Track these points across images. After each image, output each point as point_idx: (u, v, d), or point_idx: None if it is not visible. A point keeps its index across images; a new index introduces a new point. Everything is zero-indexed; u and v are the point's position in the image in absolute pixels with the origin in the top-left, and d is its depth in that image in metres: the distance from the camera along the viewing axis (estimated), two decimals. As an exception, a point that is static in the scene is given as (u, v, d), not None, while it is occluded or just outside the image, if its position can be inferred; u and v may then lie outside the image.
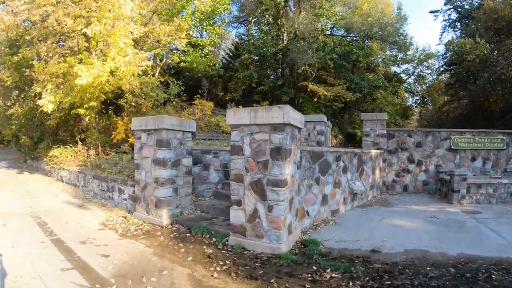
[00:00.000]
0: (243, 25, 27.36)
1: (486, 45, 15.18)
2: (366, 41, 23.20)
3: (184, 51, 16.27)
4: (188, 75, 19.58)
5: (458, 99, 21.74)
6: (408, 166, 12.28)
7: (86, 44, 11.16)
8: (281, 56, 20.08)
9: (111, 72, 10.74)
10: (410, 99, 30.71)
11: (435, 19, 28.22)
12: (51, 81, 11.25)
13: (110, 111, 14.69)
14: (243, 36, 26.58)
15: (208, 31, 16.99)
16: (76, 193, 11.87)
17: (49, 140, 16.41)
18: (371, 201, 10.66)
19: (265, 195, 5.70)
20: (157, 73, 15.12)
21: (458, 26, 22.23)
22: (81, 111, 11.53)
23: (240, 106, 15.33)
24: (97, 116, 14.27)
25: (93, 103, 11.66)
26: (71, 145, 14.30)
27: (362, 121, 12.70)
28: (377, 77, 22.92)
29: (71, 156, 13.94)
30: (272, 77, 22.12)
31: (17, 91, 15.75)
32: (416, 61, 27.68)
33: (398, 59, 27.19)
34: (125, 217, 8.39)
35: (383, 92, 22.77)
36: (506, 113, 17.26)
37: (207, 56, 16.67)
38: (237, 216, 6.02)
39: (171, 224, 7.56)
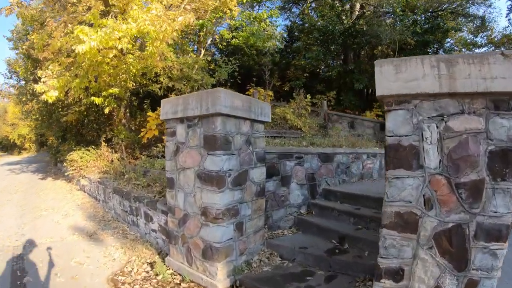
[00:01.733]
0: (295, 7, 23.50)
1: None
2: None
3: (236, 27, 12.80)
4: (239, 60, 16.03)
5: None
6: None
7: (103, 7, 7.85)
8: (351, 34, 16.08)
9: (139, 43, 7.41)
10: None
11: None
12: (57, 60, 8.11)
13: (146, 106, 11.40)
14: (297, 20, 22.77)
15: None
16: (94, 211, 8.72)
17: (72, 141, 13.55)
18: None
19: (466, 260, 2.54)
20: (202, 52, 11.73)
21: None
22: (96, 100, 8.29)
23: (308, 96, 11.61)
24: (127, 110, 11.08)
25: (114, 90, 8.39)
26: (93, 146, 11.20)
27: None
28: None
29: (93, 160, 10.84)
30: (337, 62, 18.18)
31: (31, 83, 12.98)
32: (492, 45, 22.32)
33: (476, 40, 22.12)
34: (152, 265, 5.10)
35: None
36: None
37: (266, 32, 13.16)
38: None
39: (232, 288, 4.00)
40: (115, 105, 8.75)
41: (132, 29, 6.43)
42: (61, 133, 14.31)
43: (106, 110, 8.77)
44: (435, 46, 17.08)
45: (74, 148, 12.04)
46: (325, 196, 6.33)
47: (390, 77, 2.70)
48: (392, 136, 2.74)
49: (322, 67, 18.71)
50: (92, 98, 8.34)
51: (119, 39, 6.56)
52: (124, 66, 8.37)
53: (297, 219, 5.70)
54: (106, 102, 8.42)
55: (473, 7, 19.49)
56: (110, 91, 8.36)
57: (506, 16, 21.94)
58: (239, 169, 4.17)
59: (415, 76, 2.62)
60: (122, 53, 8.21)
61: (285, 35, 21.98)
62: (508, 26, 22.07)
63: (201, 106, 3.83)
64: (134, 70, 8.43)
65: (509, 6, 18.92)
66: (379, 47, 15.50)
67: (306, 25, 18.63)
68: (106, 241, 6.31)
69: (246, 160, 4.33)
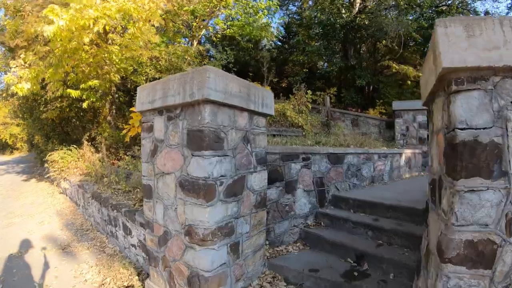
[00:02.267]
0: (291, 4, 22.55)
1: None
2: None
3: (232, 18, 11.83)
4: (234, 55, 15.10)
5: None
6: None
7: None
8: (352, 28, 15.16)
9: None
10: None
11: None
12: (32, 49, 7.15)
13: (134, 101, 10.38)
14: (295, 16, 21.85)
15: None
16: (73, 218, 7.80)
17: (55, 140, 12.57)
18: None
19: None
20: (195, 44, 10.76)
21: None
22: (73, 93, 7.30)
23: (311, 92, 10.68)
24: (113, 106, 10.11)
25: (94, 82, 7.41)
26: (75, 146, 10.23)
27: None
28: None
29: (75, 161, 9.88)
30: (337, 57, 17.24)
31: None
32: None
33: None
34: (129, 289, 4.13)
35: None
36: None
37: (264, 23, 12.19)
38: None
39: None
40: (94, 99, 7.76)
41: (111, 8, 5.46)
42: (44, 132, 13.30)
43: (85, 105, 7.77)
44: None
45: (57, 148, 11.08)
46: (335, 204, 5.42)
47: (460, 42, 1.80)
48: (465, 129, 1.82)
49: (322, 62, 17.79)
50: (68, 90, 7.35)
51: (96, 20, 5.61)
52: (106, 55, 7.41)
53: (303, 232, 4.78)
54: (84, 96, 7.43)
55: (478, 2, 18.66)
56: (90, 83, 7.39)
57: (506, 15, 21.08)
58: (234, 174, 3.24)
59: (494, 42, 1.72)
60: (104, 40, 7.28)
61: (283, 31, 21.09)
62: None
63: (185, 91, 2.89)
64: (117, 60, 7.46)
65: (509, 5, 18.23)
66: (383, 41, 14.61)
67: (305, 19, 17.72)
68: (80, 256, 5.39)
69: (244, 163, 3.41)
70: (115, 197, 6.15)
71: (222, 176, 3.03)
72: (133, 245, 4.91)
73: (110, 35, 7.72)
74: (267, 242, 4.24)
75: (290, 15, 21.86)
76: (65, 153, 10.26)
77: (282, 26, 21.39)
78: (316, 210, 5.13)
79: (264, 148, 3.81)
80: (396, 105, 10.90)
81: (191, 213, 2.97)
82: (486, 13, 19.58)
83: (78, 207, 8.54)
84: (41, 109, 10.65)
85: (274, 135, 7.56)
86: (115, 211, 5.46)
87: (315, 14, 15.92)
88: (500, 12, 21.09)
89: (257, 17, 11.39)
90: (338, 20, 14.67)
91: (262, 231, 3.86)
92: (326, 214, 5.05)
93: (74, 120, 11.53)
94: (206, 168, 2.85)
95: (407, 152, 8.97)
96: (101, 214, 6.34)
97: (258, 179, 3.66)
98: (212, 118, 2.89)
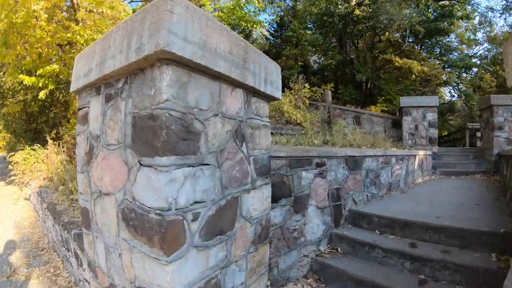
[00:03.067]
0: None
1: None
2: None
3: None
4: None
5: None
6: None
7: None
8: (352, 20, 13.91)
9: None
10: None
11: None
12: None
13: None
14: (288, 7, 20.54)
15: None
16: (30, 232, 6.44)
17: (23, 138, 11.12)
18: None
19: None
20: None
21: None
22: (26, 79, 5.87)
23: (308, 86, 9.39)
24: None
25: (53, 67, 6.01)
26: (39, 145, 8.82)
27: (485, 109, 8.90)
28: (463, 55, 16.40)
29: (38, 163, 8.47)
30: (334, 51, 15.98)
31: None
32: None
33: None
34: None
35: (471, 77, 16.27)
36: None
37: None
38: None
39: None
40: (53, 87, 6.33)
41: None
42: (12, 129, 11.82)
43: (42, 95, 6.33)
44: (442, 35, 14.99)
45: (21, 147, 9.67)
46: (353, 222, 4.16)
47: None
48: None
49: (317, 56, 16.57)
50: (21, 76, 5.95)
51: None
52: (69, 35, 6.05)
53: (316, 263, 3.50)
54: (40, 83, 6.02)
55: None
56: (48, 68, 5.99)
57: (500, 16, 20.41)
58: (219, 198, 1.93)
59: None
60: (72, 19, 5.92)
61: (275, 25, 19.79)
62: (504, 25, 20.71)
63: (129, 47, 1.57)
64: (82, 41, 6.09)
65: (504, 6, 17.63)
66: (386, 33, 13.40)
67: (299, 13, 16.41)
68: (26, 288, 4.05)
69: (236, 177, 2.11)
70: (71, 212, 4.81)
71: (197, 203, 1.72)
72: (86, 280, 3.56)
73: (80, 13, 6.35)
74: (269, 283, 2.95)
75: (283, 8, 20.58)
76: (28, 153, 8.86)
77: (276, 22, 20.11)
78: (331, 232, 3.85)
79: (267, 151, 2.53)
80: (405, 101, 9.68)
81: (142, 269, 1.65)
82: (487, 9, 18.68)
83: (39, 218, 7.17)
84: (3, 102, 9.22)
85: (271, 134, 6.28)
86: (65, 231, 4.12)
87: (313, 2, 14.59)
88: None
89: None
90: (336, 10, 13.41)
91: (263, 274, 2.58)
92: (344, 236, 3.77)
93: (41, 115, 10.08)
94: (163, 190, 1.52)
95: (420, 154, 7.81)
96: (55, 231, 4.99)
97: (258, 200, 2.38)
98: (176, 92, 1.57)
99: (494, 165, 8.10)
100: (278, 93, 2.62)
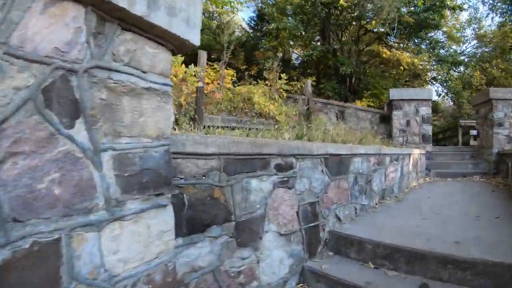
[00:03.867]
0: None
1: None
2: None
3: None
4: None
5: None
6: None
7: None
8: (335, 8, 12.69)
9: None
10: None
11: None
12: None
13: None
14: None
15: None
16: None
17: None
18: None
19: None
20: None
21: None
22: None
23: (286, 77, 8.08)
24: None
25: None
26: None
27: (482, 104, 7.91)
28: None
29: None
30: (315, 41, 14.76)
31: None
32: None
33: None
34: None
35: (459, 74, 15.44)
36: None
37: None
38: None
39: None
40: None
41: None
42: None
43: None
44: (432, 28, 13.91)
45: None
46: (337, 249, 2.91)
47: None
48: None
49: (299, 48, 15.34)
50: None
51: None
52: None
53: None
54: None
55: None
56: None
57: (487, 16, 19.99)
58: None
59: None
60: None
61: (256, 18, 18.57)
62: (491, 24, 20.14)
63: None
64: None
65: (490, 6, 17.59)
66: (373, 22, 12.23)
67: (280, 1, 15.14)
68: None
69: (47, 195, 0.82)
70: None
71: None
72: None
73: None
74: None
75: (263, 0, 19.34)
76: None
77: (256, 14, 18.89)
78: (303, 265, 2.59)
79: (160, 141, 1.23)
80: (395, 93, 8.50)
81: None
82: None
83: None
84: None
85: (233, 128, 4.97)
86: None
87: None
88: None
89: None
90: (319, -4, 12.14)
91: None
92: (322, 274, 2.51)
93: None
94: None
95: (415, 153, 6.71)
96: None
97: (131, 239, 1.13)
98: None
99: (494, 165, 7.22)
100: (191, 34, 1.34)
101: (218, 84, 7.24)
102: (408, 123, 8.32)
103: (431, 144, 8.28)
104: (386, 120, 9.14)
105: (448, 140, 14.44)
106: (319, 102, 9.28)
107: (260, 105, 6.80)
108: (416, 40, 14.62)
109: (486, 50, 16.82)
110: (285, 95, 8.31)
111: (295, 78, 12.90)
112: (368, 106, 11.76)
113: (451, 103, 20.02)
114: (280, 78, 8.18)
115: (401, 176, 5.51)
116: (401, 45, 14.73)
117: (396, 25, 11.75)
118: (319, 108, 9.22)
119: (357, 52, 14.16)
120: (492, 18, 19.37)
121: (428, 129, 8.26)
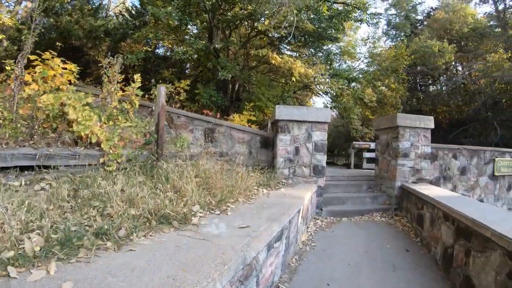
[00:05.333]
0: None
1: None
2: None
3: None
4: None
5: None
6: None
7: None
8: (224, 2, 10.45)
9: None
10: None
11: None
12: None
13: None
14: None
15: None
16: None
17: None
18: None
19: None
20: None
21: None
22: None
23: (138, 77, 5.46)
24: None
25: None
26: None
27: (386, 129, 7.29)
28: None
29: None
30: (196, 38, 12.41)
31: None
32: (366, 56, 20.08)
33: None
34: None
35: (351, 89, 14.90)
36: (458, 126, 16.36)
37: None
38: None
39: None
40: None
41: None
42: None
43: None
44: (332, 40, 12.65)
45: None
46: None
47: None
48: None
49: (172, 43, 12.82)
50: None
51: None
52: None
53: None
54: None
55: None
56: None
57: (379, 39, 20.54)
58: None
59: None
60: None
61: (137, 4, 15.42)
62: (387, 39, 21.50)
63: None
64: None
65: (384, 30, 19.80)
66: (267, 21, 10.27)
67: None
68: None
69: None
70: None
71: None
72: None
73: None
74: None
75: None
76: None
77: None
78: None
79: None
80: (283, 112, 6.30)
81: None
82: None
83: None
84: None
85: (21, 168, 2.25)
86: None
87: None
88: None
89: None
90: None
91: None
92: None
93: None
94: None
95: (306, 198, 4.94)
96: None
97: None
98: None
99: (396, 200, 6.60)
100: None
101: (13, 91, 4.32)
102: (297, 150, 6.29)
103: (324, 178, 6.47)
104: (268, 144, 6.93)
105: (336, 157, 14.13)
106: (183, 115, 6.77)
107: (80, 124, 4.13)
108: (312, 50, 13.41)
109: (379, 68, 16.79)
110: (137, 104, 5.73)
111: (167, 80, 10.38)
112: (250, 121, 9.72)
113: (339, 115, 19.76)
114: (133, 81, 5.62)
115: (286, 250, 3.51)
116: (295, 53, 13.38)
117: (293, 30, 9.94)
118: (183, 124, 6.76)
119: (245, 56, 12.18)
120: (385, 41, 20.89)
121: (322, 159, 6.33)
